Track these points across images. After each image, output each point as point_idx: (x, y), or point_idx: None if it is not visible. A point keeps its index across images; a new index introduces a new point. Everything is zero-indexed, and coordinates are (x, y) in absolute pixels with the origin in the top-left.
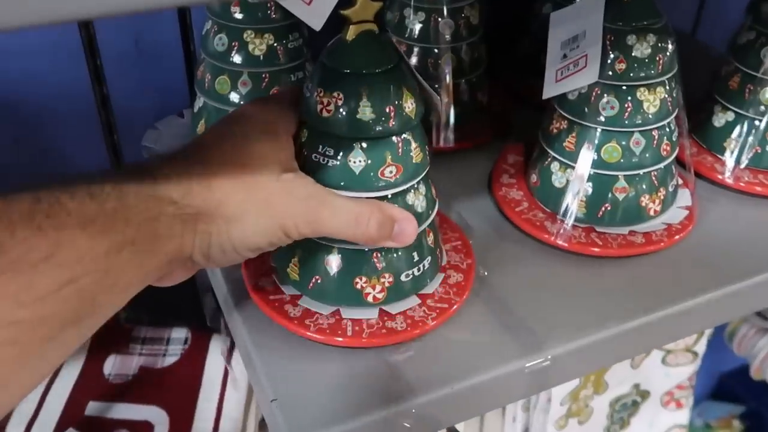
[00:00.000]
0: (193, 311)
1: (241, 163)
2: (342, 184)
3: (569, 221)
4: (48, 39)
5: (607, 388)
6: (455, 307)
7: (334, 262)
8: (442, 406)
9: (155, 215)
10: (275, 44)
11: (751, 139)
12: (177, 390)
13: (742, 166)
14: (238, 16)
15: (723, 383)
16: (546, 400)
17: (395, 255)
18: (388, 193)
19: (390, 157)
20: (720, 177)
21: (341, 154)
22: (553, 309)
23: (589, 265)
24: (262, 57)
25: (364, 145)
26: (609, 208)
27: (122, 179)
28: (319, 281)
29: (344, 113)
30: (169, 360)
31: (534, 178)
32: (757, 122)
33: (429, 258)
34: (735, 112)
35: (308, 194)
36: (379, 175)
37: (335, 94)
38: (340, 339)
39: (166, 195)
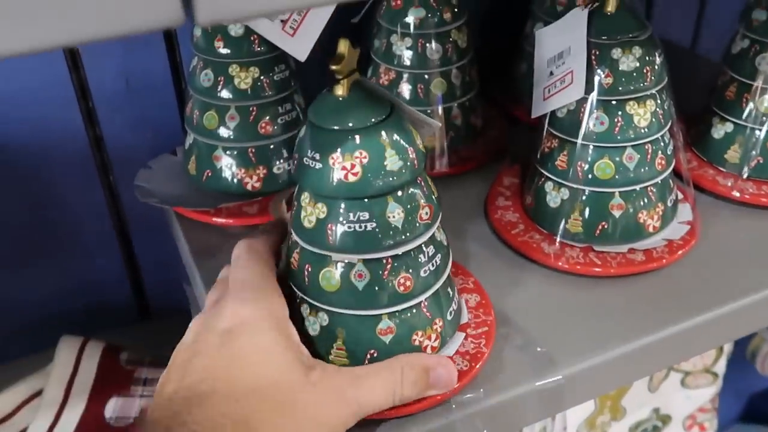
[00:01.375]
0: None
1: (268, 386)
2: (386, 243)
3: (566, 242)
4: (39, 83)
5: (626, 413)
6: (492, 328)
7: (388, 330)
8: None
9: None
10: (261, 77)
11: (752, 149)
12: None
13: (745, 177)
14: (223, 51)
15: (752, 405)
16: (561, 428)
17: (437, 297)
18: (427, 236)
19: (422, 198)
20: (723, 190)
21: (378, 213)
22: (556, 331)
23: (589, 285)
24: (248, 90)
25: (398, 194)
26: (606, 227)
27: None
28: (375, 355)
29: (374, 170)
30: None
31: (529, 199)
32: (757, 132)
33: (455, 288)
34: (734, 123)
35: (342, 387)
36: (418, 220)
37: (357, 154)
38: (415, 406)
39: None
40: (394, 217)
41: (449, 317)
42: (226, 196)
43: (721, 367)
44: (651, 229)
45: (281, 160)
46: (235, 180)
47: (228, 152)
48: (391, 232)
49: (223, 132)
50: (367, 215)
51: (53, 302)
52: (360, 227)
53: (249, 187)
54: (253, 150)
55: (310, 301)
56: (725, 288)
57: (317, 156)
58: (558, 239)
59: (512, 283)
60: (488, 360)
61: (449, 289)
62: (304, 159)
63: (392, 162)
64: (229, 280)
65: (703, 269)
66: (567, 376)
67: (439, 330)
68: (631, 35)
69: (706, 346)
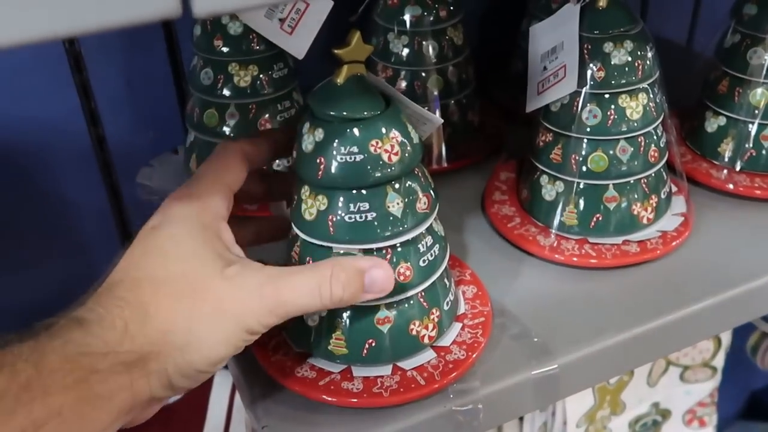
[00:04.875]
0: None
1: (175, 275)
2: (386, 233)
3: (562, 234)
4: (42, 84)
5: (625, 408)
6: (489, 318)
7: (386, 320)
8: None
9: (85, 375)
10: (260, 75)
11: (744, 142)
12: (181, 429)
13: (738, 170)
14: (223, 49)
15: (754, 401)
16: (562, 422)
17: (434, 288)
18: (425, 226)
19: (419, 188)
20: (716, 183)
21: (378, 203)
22: (552, 321)
23: (585, 276)
24: (248, 88)
25: (396, 186)
26: (601, 219)
27: (44, 336)
28: (373, 344)
29: (373, 161)
30: (173, 397)
31: (525, 193)
32: (749, 125)
33: (452, 280)
34: (726, 117)
35: (260, 282)
36: (417, 210)
37: (357, 145)
38: (416, 393)
39: (99, 346)
40: (393, 207)
41: (446, 307)
42: None
43: (719, 361)
44: (645, 221)
45: (281, 158)
46: None
47: None
48: (391, 222)
49: (224, 130)
50: (367, 205)
51: (56, 302)
52: (360, 218)
53: None
54: None
55: None
56: (719, 278)
57: (318, 148)
58: (553, 232)
59: (509, 275)
60: (485, 349)
61: (446, 280)
62: (304, 151)
63: (393, 152)
64: None
65: (697, 260)
66: (562, 366)
67: (436, 320)
68: (622, 29)
69: (701, 336)
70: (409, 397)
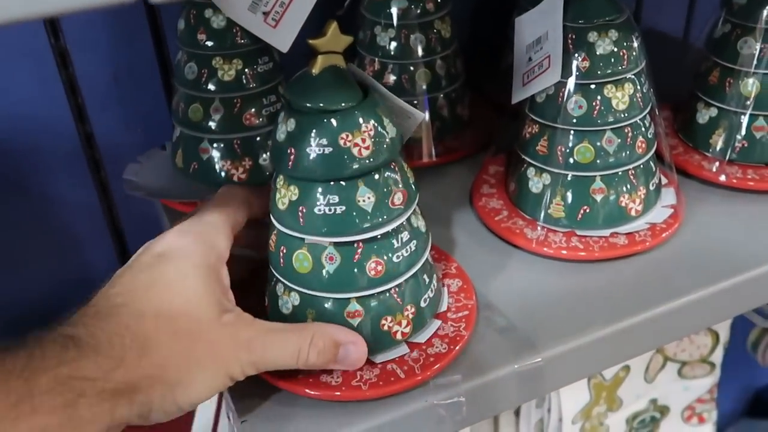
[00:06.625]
0: None
1: (177, 312)
2: (357, 227)
3: (549, 227)
4: (28, 81)
5: (622, 404)
6: (473, 312)
7: (356, 313)
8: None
9: (74, 399)
10: (245, 69)
11: (736, 133)
12: (171, 426)
13: (730, 161)
14: (207, 43)
15: (758, 399)
16: (557, 419)
17: (411, 284)
18: (400, 221)
19: (395, 183)
20: (708, 175)
21: (348, 197)
22: (538, 314)
23: (572, 269)
24: (232, 82)
25: (369, 179)
26: (588, 211)
27: (38, 354)
28: None
29: (345, 153)
30: None
31: (512, 186)
32: (741, 116)
33: (434, 275)
34: (718, 108)
35: (250, 336)
36: (390, 206)
37: (328, 137)
38: (396, 386)
39: (92, 371)
40: (364, 201)
41: (423, 304)
42: (212, 187)
43: (718, 357)
44: (633, 213)
45: (267, 152)
46: (222, 172)
47: (214, 144)
48: (361, 216)
49: (209, 124)
50: (337, 198)
51: (46, 300)
52: (330, 210)
53: (235, 178)
54: (239, 142)
55: (284, 281)
56: (708, 270)
57: (289, 138)
58: (540, 224)
59: (495, 269)
60: (468, 343)
61: (426, 276)
62: (277, 141)
63: (364, 146)
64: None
65: (687, 252)
66: (549, 359)
67: (410, 316)
68: (607, 19)
69: (691, 329)
70: (388, 390)
